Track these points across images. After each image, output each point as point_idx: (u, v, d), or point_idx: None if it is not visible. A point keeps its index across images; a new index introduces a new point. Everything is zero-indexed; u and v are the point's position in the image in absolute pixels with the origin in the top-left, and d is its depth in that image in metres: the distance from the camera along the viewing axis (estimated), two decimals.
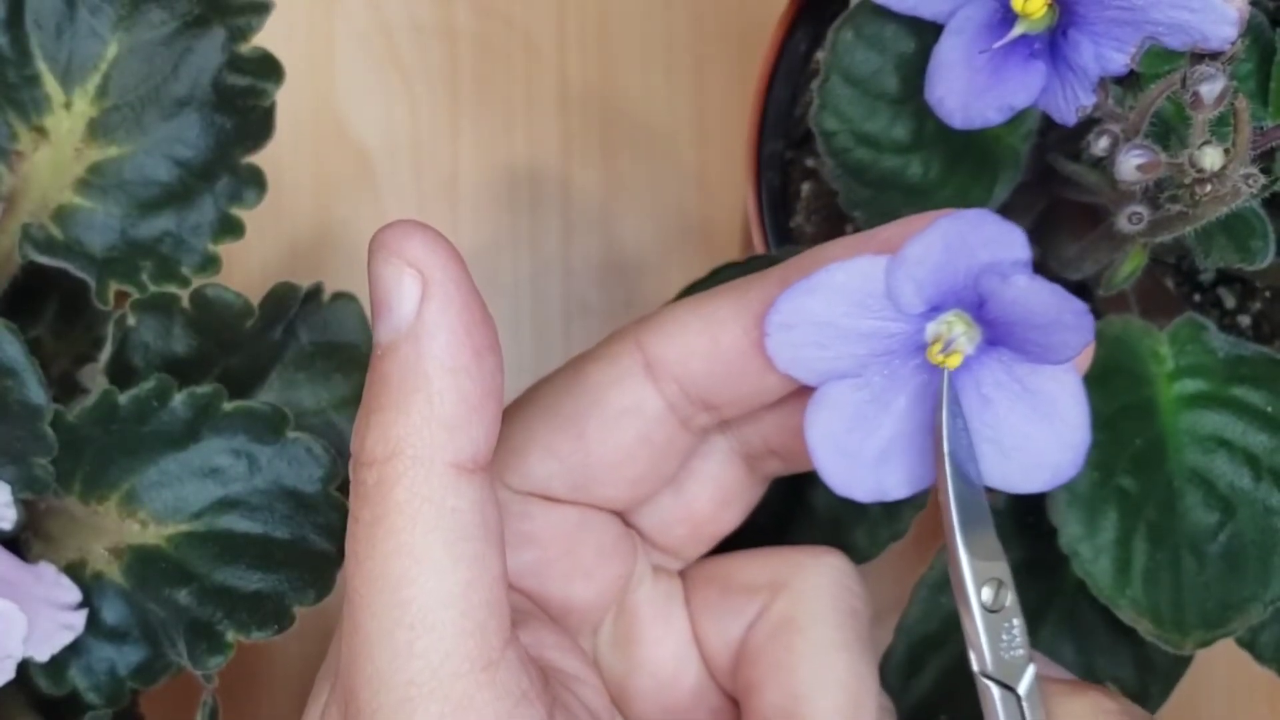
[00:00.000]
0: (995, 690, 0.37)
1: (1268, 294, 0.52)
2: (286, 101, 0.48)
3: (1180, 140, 0.40)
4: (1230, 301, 0.53)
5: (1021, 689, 0.37)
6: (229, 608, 0.44)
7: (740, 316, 0.37)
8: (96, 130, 0.47)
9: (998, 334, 0.36)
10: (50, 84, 0.46)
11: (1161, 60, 0.40)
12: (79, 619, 0.45)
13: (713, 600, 0.41)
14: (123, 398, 0.45)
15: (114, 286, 0.46)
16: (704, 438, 0.40)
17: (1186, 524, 0.44)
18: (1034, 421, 0.37)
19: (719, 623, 0.40)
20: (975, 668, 0.37)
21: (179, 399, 0.45)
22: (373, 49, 0.65)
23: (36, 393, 0.43)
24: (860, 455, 0.37)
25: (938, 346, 0.36)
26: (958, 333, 0.36)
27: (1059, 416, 0.37)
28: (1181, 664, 0.46)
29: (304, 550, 0.45)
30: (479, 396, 0.33)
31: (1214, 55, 0.39)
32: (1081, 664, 0.47)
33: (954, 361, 0.36)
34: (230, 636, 0.44)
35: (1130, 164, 0.39)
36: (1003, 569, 0.37)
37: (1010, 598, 0.37)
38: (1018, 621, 0.37)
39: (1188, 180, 0.39)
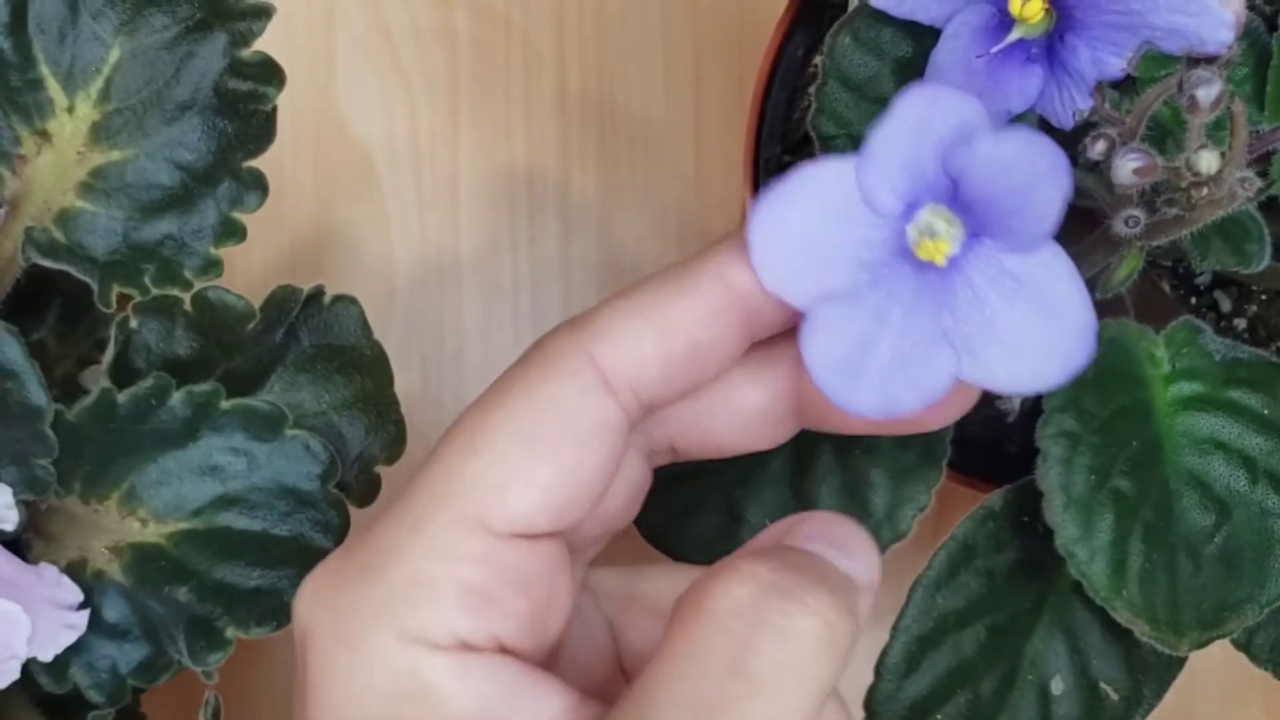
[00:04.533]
0: None
1: (1264, 297, 0.53)
2: (287, 105, 0.48)
3: (1177, 144, 0.40)
4: (1226, 305, 0.53)
5: None
6: (228, 604, 0.44)
7: (689, 315, 0.37)
8: (99, 134, 0.47)
9: (978, 220, 0.36)
10: (53, 88, 0.46)
11: (1158, 64, 0.40)
12: (81, 619, 0.45)
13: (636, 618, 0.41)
14: (121, 396, 0.45)
15: (116, 289, 0.46)
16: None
17: (1183, 526, 0.44)
18: (1034, 314, 0.36)
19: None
20: None
21: (177, 398, 0.45)
22: (373, 52, 0.65)
23: (37, 394, 0.44)
24: (864, 373, 0.36)
25: (925, 243, 0.36)
26: (939, 228, 0.36)
27: (1058, 304, 0.36)
28: (1176, 665, 0.46)
29: (303, 547, 0.45)
30: None
31: (1210, 59, 0.39)
32: (1076, 665, 0.47)
33: (941, 254, 0.36)
34: (230, 633, 0.44)
35: (1127, 168, 0.39)
36: None
37: None
38: None
39: (1184, 184, 0.39)
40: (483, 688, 0.34)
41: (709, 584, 0.34)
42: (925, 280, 0.36)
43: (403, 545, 0.35)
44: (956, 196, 0.35)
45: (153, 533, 0.46)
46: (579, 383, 0.36)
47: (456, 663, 0.34)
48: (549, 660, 0.38)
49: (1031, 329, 0.36)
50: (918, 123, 0.35)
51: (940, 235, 0.36)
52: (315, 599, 0.36)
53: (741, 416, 0.39)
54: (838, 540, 0.37)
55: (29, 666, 0.45)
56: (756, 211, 0.36)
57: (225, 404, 0.45)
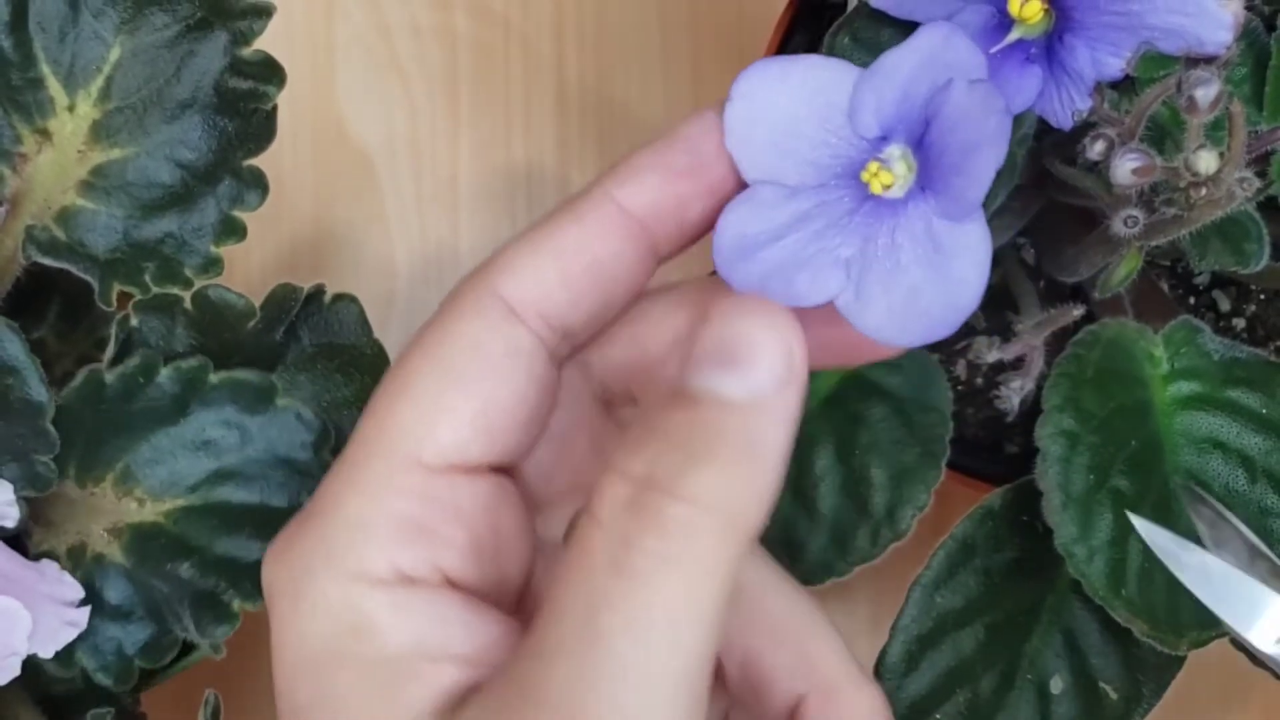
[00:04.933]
0: None
1: (1262, 297, 0.53)
2: (287, 104, 0.48)
3: (1175, 144, 0.40)
4: (1225, 304, 0.53)
5: None
6: (232, 578, 0.44)
7: (584, 240, 0.38)
8: (99, 132, 0.47)
9: (929, 171, 0.36)
10: (54, 87, 0.46)
11: (1157, 65, 0.40)
12: (82, 615, 0.45)
13: None
14: (109, 376, 0.45)
15: (117, 287, 0.46)
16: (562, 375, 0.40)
17: (1181, 525, 0.44)
18: (932, 278, 0.36)
19: None
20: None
21: (165, 374, 0.45)
22: (372, 52, 0.65)
23: (38, 390, 0.44)
24: (758, 255, 0.36)
25: (871, 170, 0.36)
26: (897, 167, 0.36)
27: (956, 278, 0.36)
28: (1175, 664, 0.46)
29: None
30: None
31: (1209, 60, 0.39)
32: (1075, 664, 0.47)
33: (881, 185, 0.36)
34: (235, 605, 0.44)
35: (1126, 168, 0.39)
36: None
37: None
38: None
39: (1183, 184, 0.39)
40: (419, 621, 0.35)
41: (595, 491, 0.34)
42: (859, 209, 0.36)
43: (340, 494, 0.36)
44: (922, 142, 0.36)
45: (150, 512, 0.46)
46: (487, 317, 0.37)
47: (395, 597, 0.35)
48: (518, 603, 0.38)
49: (923, 291, 0.36)
50: (927, 57, 0.35)
51: (893, 168, 0.36)
52: (271, 562, 0.37)
53: (672, 339, 0.39)
54: (735, 352, 0.35)
55: (34, 657, 0.45)
56: (750, 69, 0.36)
57: (214, 378, 0.45)
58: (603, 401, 0.41)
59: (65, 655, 0.46)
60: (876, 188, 0.36)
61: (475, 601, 0.36)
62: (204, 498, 0.45)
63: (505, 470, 0.38)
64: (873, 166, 0.36)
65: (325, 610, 0.35)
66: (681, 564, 0.33)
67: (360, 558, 0.35)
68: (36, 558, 0.46)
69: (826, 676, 0.40)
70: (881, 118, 0.36)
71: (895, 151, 0.36)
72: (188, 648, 0.54)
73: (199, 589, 0.45)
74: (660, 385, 0.38)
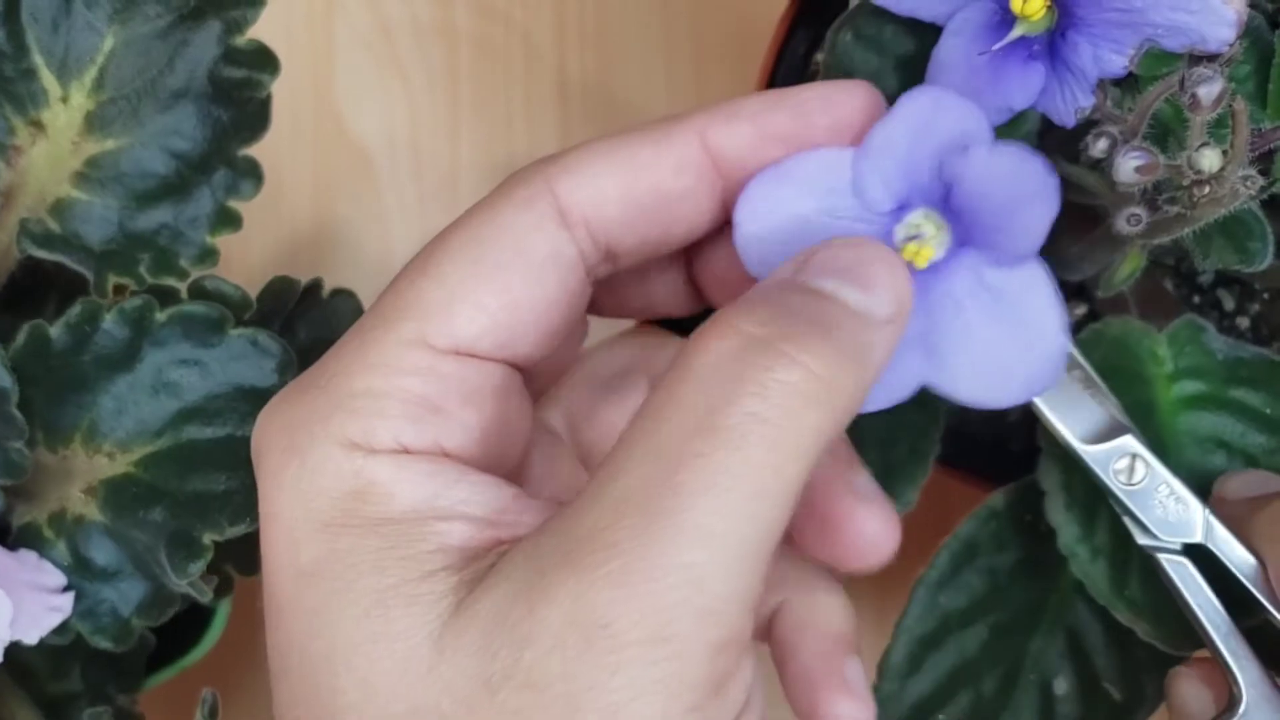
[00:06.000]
0: (1165, 561, 0.40)
1: (1266, 295, 0.52)
2: (287, 100, 0.48)
3: (1178, 142, 0.40)
4: (1229, 303, 0.53)
5: (1199, 536, 0.40)
6: (202, 513, 0.44)
7: (658, 163, 0.37)
8: (93, 123, 0.47)
9: (965, 230, 0.36)
10: (47, 78, 0.46)
11: (1160, 62, 0.40)
12: (66, 601, 0.45)
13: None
14: (54, 330, 0.44)
15: (112, 279, 0.46)
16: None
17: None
18: (1007, 331, 0.36)
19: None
20: (1140, 541, 0.40)
21: (110, 318, 0.44)
22: (373, 48, 0.65)
23: (2, 376, 0.43)
24: None
25: (909, 246, 0.36)
26: (926, 231, 0.36)
27: (1032, 324, 0.36)
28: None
29: None
30: None
31: (1212, 57, 0.39)
32: (1079, 664, 0.47)
33: (923, 259, 0.35)
34: (206, 539, 0.43)
35: (1128, 166, 0.39)
36: (1127, 442, 0.40)
37: (1145, 465, 0.39)
38: (1168, 476, 0.40)
39: (1186, 182, 0.39)
40: (425, 481, 0.34)
41: (693, 342, 0.33)
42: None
43: (349, 363, 0.35)
44: (948, 203, 0.35)
45: (121, 464, 0.45)
46: (534, 212, 0.36)
47: (399, 462, 0.34)
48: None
49: (1002, 345, 0.36)
50: (920, 125, 0.35)
51: (927, 239, 0.36)
52: (267, 422, 0.36)
53: (710, 265, 0.39)
54: (853, 271, 0.34)
55: (27, 653, 0.44)
56: (746, 190, 0.36)
57: (161, 315, 0.44)
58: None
59: (60, 625, 0.45)
60: (920, 263, 0.35)
61: (482, 472, 0.35)
62: (172, 440, 0.45)
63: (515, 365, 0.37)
64: (910, 247, 0.35)
65: (331, 472, 0.34)
66: (778, 430, 0.32)
67: (365, 428, 0.35)
68: (20, 532, 0.46)
69: (798, 586, 0.40)
70: (892, 190, 0.36)
71: (919, 218, 0.36)
72: (185, 646, 0.54)
73: (172, 530, 0.44)
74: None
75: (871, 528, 0.38)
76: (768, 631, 0.40)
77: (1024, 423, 0.48)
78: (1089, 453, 0.40)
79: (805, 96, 0.37)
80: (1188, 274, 0.53)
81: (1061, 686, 0.47)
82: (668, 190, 0.37)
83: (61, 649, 0.47)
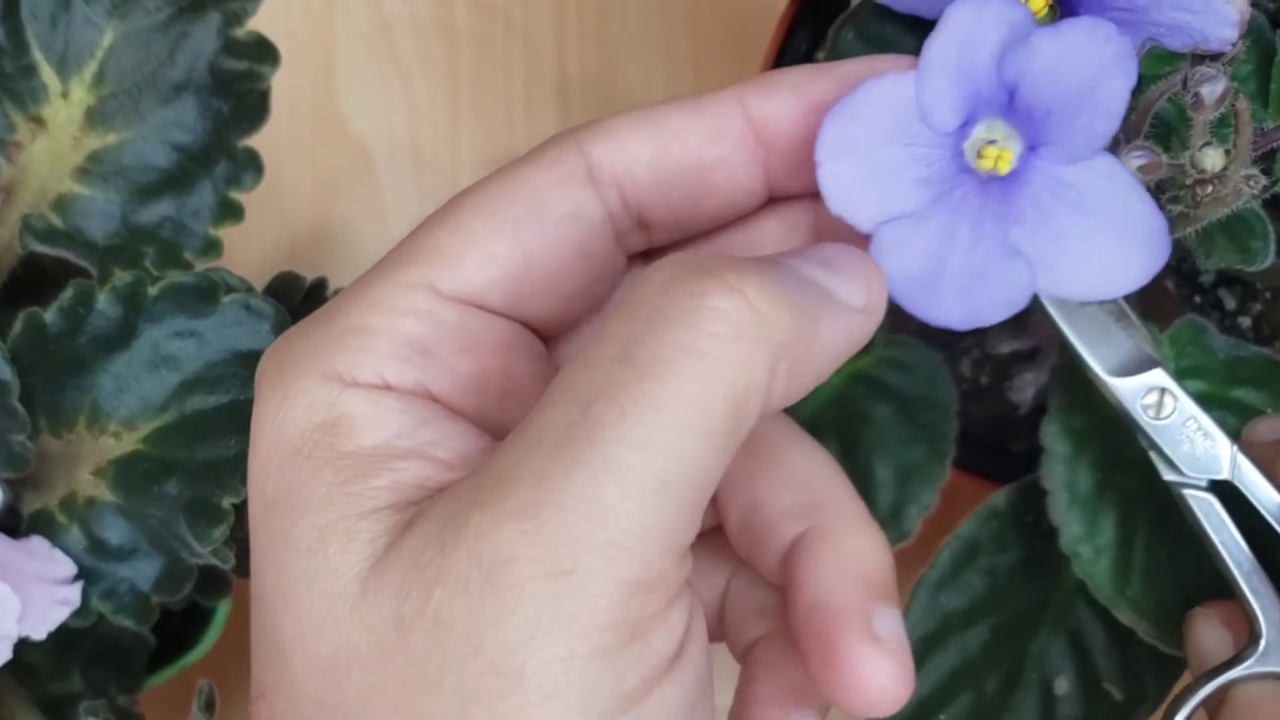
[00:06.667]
0: (1190, 497, 0.39)
1: (1268, 295, 0.52)
2: (287, 98, 0.48)
3: (1181, 141, 0.40)
4: (1231, 303, 0.53)
5: (1226, 473, 0.40)
6: (217, 479, 0.44)
7: (693, 129, 0.36)
8: (94, 118, 0.47)
9: (1037, 129, 0.35)
10: (47, 73, 0.46)
11: (1162, 61, 0.40)
12: (75, 592, 0.45)
13: None
14: (49, 315, 0.44)
15: (117, 274, 0.46)
16: (629, 269, 0.38)
17: (1187, 525, 0.44)
18: (1103, 223, 0.35)
19: None
20: (1166, 478, 0.39)
21: (103, 298, 0.44)
22: (373, 46, 0.65)
23: (2, 369, 0.43)
24: (941, 288, 0.35)
25: (986, 155, 0.35)
26: (997, 136, 0.35)
27: (1125, 210, 0.35)
28: (1179, 665, 0.46)
29: None
30: None
31: (1215, 56, 0.39)
32: (1080, 664, 0.47)
33: (1005, 162, 0.35)
34: (225, 502, 0.43)
35: (1131, 165, 0.39)
36: (1156, 376, 0.40)
37: (1173, 400, 0.39)
38: (1196, 411, 0.40)
39: (1188, 181, 0.39)
40: (395, 418, 0.34)
41: (637, 278, 0.32)
42: (989, 194, 0.35)
43: (350, 303, 0.35)
44: (1013, 107, 0.35)
45: (129, 442, 0.45)
46: (559, 170, 0.35)
47: (374, 397, 0.34)
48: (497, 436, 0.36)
49: (1103, 238, 0.35)
50: (967, 36, 0.34)
51: (1002, 144, 0.35)
52: (266, 359, 0.35)
53: (755, 247, 0.38)
54: (828, 259, 0.33)
55: (31, 655, 0.44)
56: (823, 131, 0.35)
57: (153, 289, 0.44)
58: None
59: (81, 606, 0.45)
60: (1003, 168, 0.35)
61: (461, 419, 0.35)
62: (177, 413, 0.45)
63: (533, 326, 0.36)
64: (990, 151, 0.35)
65: (305, 405, 0.34)
66: (704, 361, 0.30)
67: (350, 362, 0.34)
68: (32, 520, 0.46)
69: (828, 516, 0.37)
70: (954, 107, 0.35)
71: (983, 130, 0.35)
72: (185, 646, 0.54)
73: (189, 500, 0.44)
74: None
75: (881, 678, 0.34)
76: (780, 569, 0.37)
77: (1026, 422, 0.48)
78: (1117, 386, 0.40)
79: (850, 68, 0.36)
80: (1189, 274, 0.52)
81: (1063, 687, 0.47)
82: (701, 157, 0.36)
83: (62, 648, 0.47)
